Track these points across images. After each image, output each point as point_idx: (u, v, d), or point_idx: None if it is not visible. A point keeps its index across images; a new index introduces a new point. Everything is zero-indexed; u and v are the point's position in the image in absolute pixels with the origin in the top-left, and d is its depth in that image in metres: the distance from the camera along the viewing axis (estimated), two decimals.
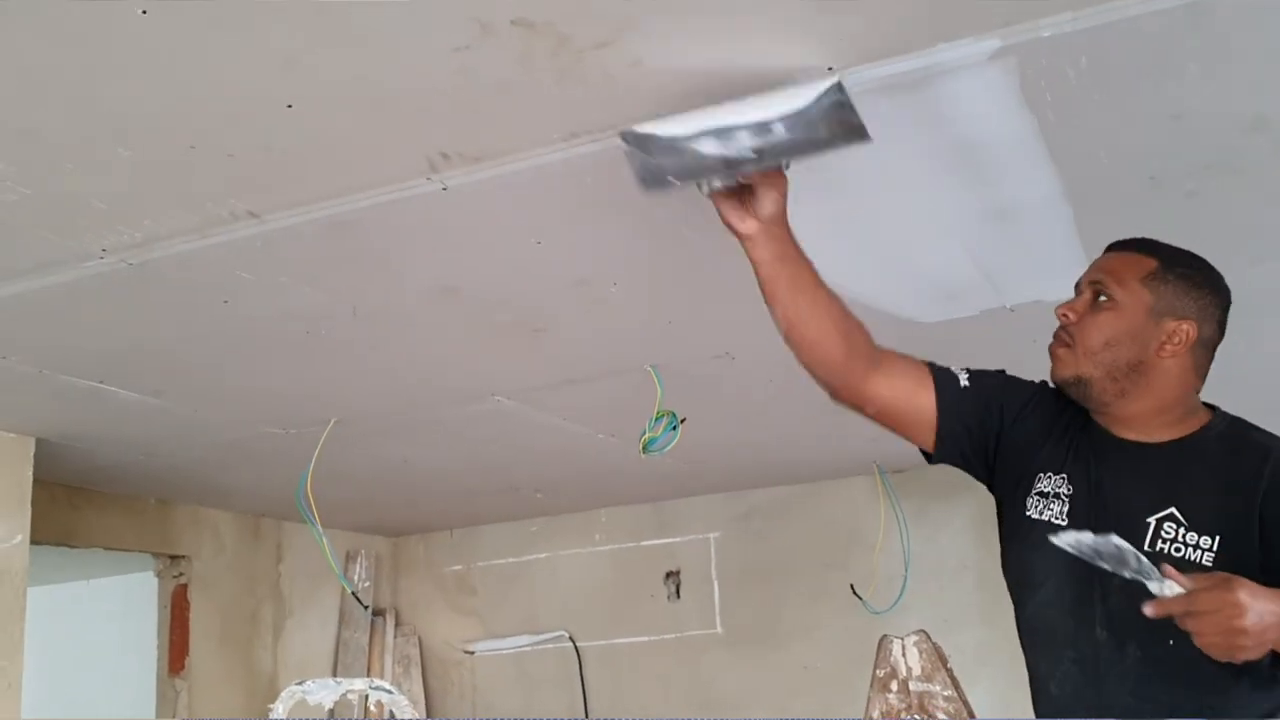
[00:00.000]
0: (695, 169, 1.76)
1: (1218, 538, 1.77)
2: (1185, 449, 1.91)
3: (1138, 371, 1.91)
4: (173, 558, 4.84)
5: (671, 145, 1.77)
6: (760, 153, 1.70)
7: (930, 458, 2.14)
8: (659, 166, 1.76)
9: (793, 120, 1.69)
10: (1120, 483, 1.91)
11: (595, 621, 5.47)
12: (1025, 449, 2.04)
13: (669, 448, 3.41)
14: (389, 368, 3.36)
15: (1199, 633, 1.56)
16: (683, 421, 3.44)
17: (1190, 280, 1.96)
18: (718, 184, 1.83)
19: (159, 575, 4.88)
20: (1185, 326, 1.91)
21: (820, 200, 2.49)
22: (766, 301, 1.98)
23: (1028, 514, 2.00)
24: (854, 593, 4.67)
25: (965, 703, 2.79)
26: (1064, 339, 1.97)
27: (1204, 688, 1.75)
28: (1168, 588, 1.58)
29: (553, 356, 3.37)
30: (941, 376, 2.09)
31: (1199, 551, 1.79)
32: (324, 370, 3.34)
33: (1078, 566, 1.79)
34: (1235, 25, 1.89)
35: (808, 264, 1.97)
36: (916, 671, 2.73)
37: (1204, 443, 1.90)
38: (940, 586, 4.57)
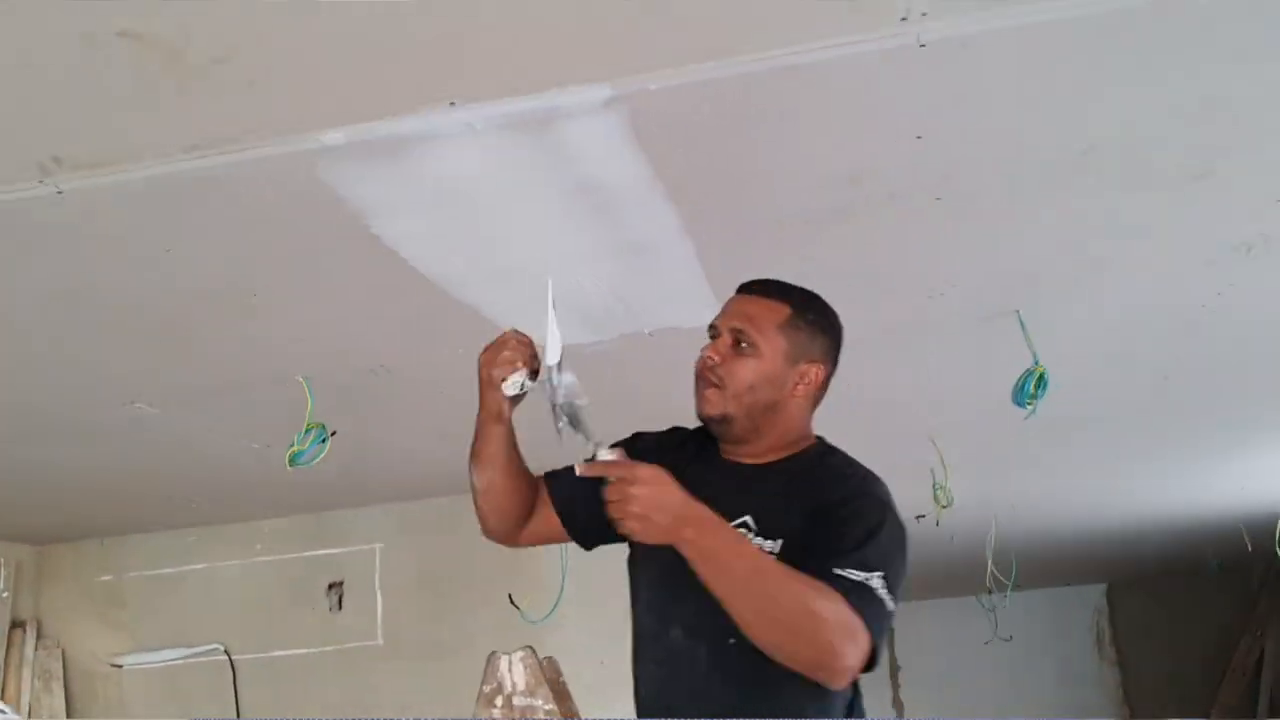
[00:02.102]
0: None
1: (780, 542, 1.91)
2: (774, 469, 2.06)
3: (773, 410, 2.04)
4: None
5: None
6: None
7: (587, 546, 2.25)
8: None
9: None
10: (715, 497, 1.97)
11: (253, 634, 5.33)
12: None
13: (316, 461, 3.38)
14: (14, 369, 3.20)
15: (607, 498, 1.72)
16: (333, 434, 3.41)
17: (818, 325, 2.09)
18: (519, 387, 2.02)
19: None
20: (815, 369, 2.06)
21: (463, 232, 2.55)
22: (472, 457, 2.11)
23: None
24: (512, 603, 4.76)
25: (574, 715, 2.90)
26: (712, 380, 2.06)
27: (761, 687, 1.87)
28: (602, 453, 1.74)
29: (197, 364, 3.29)
30: (553, 481, 2.19)
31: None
32: None
33: (665, 575, 1.93)
34: (831, 86, 2.06)
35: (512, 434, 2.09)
36: (521, 686, 2.80)
37: (792, 465, 2.05)
38: (599, 598, 4.70)
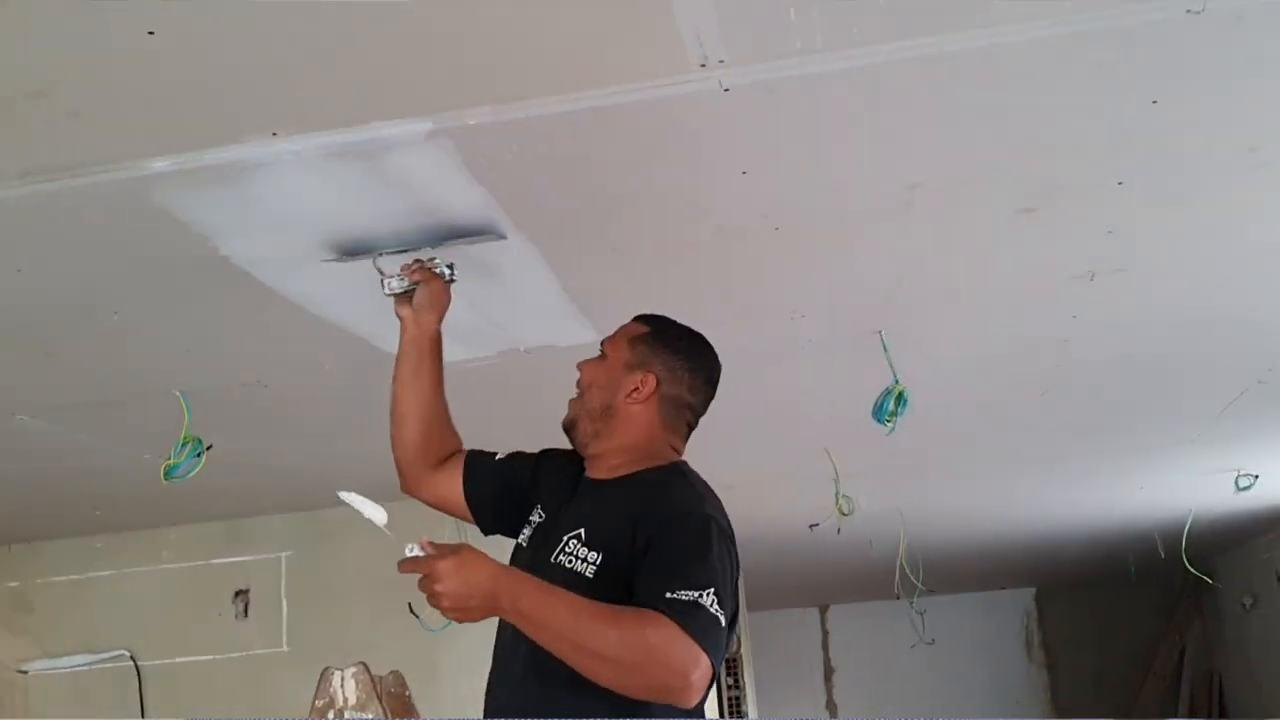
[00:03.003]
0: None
1: (601, 554, 1.99)
2: (616, 484, 2.15)
3: (609, 414, 2.17)
4: None
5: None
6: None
7: (485, 532, 2.40)
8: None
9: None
10: (568, 509, 2.15)
11: (159, 640, 5.32)
12: (538, 495, 2.29)
13: (191, 475, 3.39)
14: None
15: (423, 592, 1.78)
16: (209, 448, 3.43)
17: (666, 345, 2.22)
18: (394, 285, 2.35)
19: None
20: (648, 379, 2.17)
21: (314, 254, 2.59)
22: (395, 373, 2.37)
23: (519, 541, 2.25)
24: (412, 612, 4.78)
25: None
26: (577, 386, 2.24)
27: (567, 685, 1.89)
28: (410, 550, 1.81)
29: (72, 378, 3.31)
30: (473, 460, 2.37)
31: (585, 564, 2.01)
32: None
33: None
34: (651, 125, 2.11)
35: (435, 366, 2.37)
36: (352, 701, 2.85)
37: (634, 480, 2.13)
38: None
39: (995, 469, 5.46)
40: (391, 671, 3.00)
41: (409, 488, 2.42)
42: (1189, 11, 1.79)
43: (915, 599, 6.86)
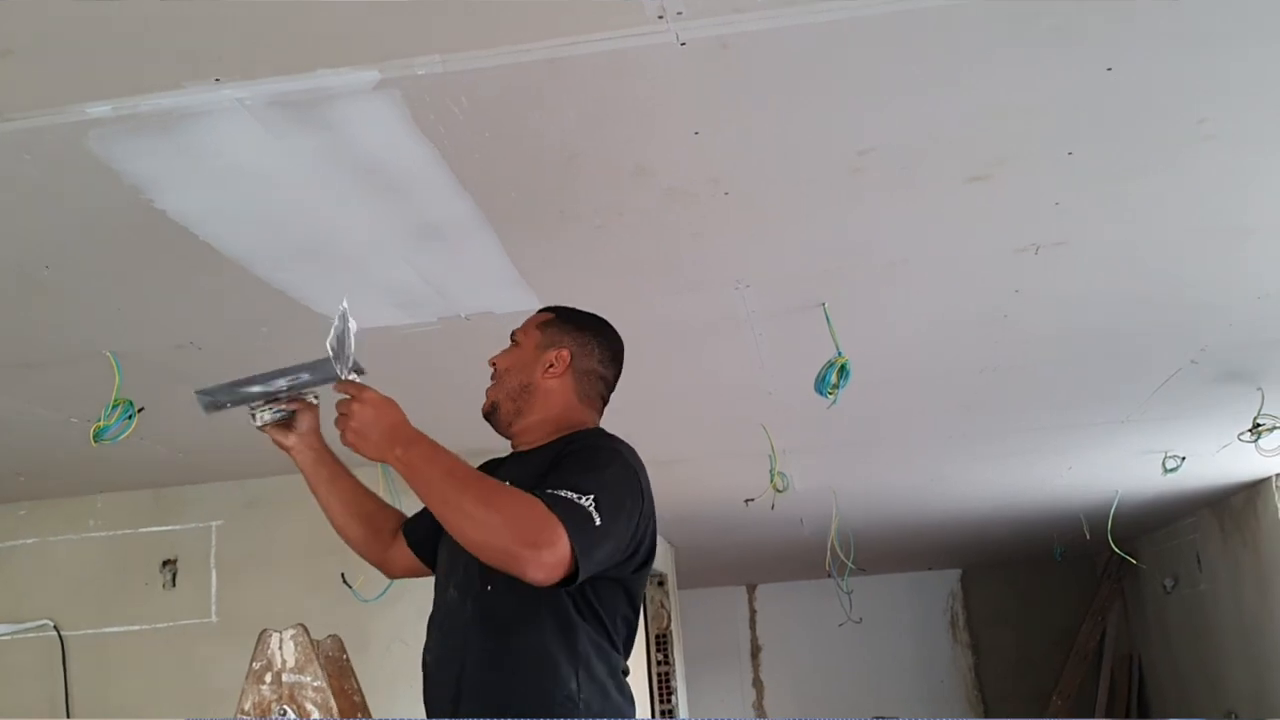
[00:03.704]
0: (246, 400, 2.25)
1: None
2: (538, 450, 2.24)
3: (528, 392, 2.29)
4: None
5: (229, 389, 2.23)
6: (294, 389, 2.20)
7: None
8: (217, 401, 2.23)
9: (315, 367, 2.10)
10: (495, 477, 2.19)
11: (84, 611, 5.21)
12: None
13: (121, 437, 3.32)
14: None
15: (338, 411, 2.00)
16: (140, 410, 3.36)
17: (573, 324, 2.36)
18: (266, 416, 2.29)
19: None
20: (562, 354, 2.29)
21: (252, 209, 2.53)
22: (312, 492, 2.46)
23: None
24: (345, 582, 4.73)
25: (355, 692, 2.91)
26: (491, 376, 2.35)
27: (515, 633, 2.02)
28: (352, 376, 2.03)
29: (1, 338, 3.21)
30: (409, 525, 2.48)
31: None
32: None
33: (450, 546, 2.13)
34: (603, 80, 2.08)
35: (340, 468, 2.44)
36: (290, 664, 2.81)
37: (558, 443, 2.20)
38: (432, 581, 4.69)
39: (929, 447, 5.51)
40: (329, 635, 2.96)
41: (386, 573, 2.56)
42: None
43: (845, 578, 6.91)
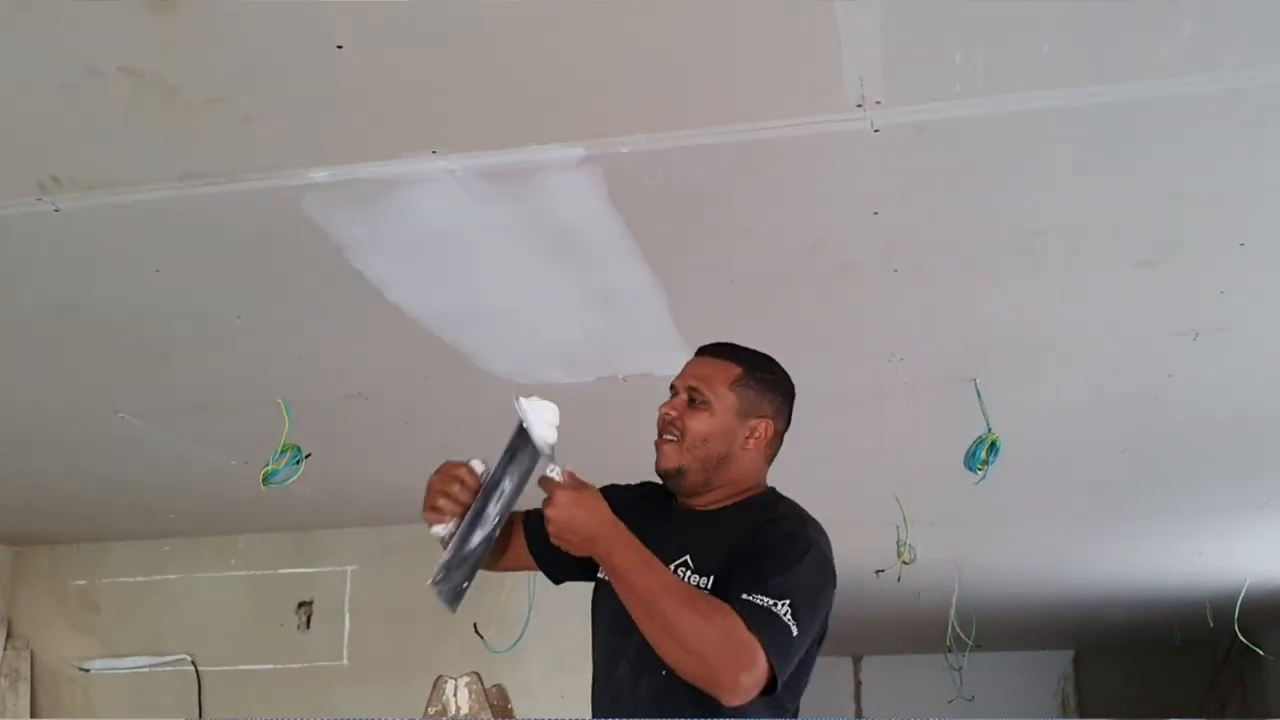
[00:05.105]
0: (477, 561, 2.01)
1: (712, 578, 2.04)
2: (722, 514, 2.17)
3: (725, 462, 2.15)
4: None
5: (459, 564, 1.98)
6: (503, 513, 2.00)
7: (555, 582, 2.40)
8: (458, 589, 1.98)
9: (514, 470, 1.98)
10: (665, 540, 2.12)
11: (222, 647, 5.39)
12: None
13: (290, 481, 3.47)
14: (4, 377, 3.30)
15: (542, 508, 1.90)
16: (307, 456, 3.51)
17: (767, 384, 2.20)
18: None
19: None
20: (764, 424, 2.16)
21: (442, 273, 2.66)
22: None
23: (599, 575, 2.23)
24: (476, 632, 4.83)
25: None
26: (670, 434, 2.18)
27: (699, 717, 1.95)
28: (552, 470, 1.91)
29: (182, 381, 3.39)
30: (529, 521, 2.32)
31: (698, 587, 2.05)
32: None
33: (618, 615, 2.01)
34: (792, 161, 2.17)
35: None
36: (465, 710, 2.89)
37: (738, 509, 2.16)
38: (562, 632, 4.77)
39: (1059, 524, 5.46)
40: (495, 685, 3.04)
41: (486, 566, 2.37)
42: None
43: (964, 655, 6.84)
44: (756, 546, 2.00)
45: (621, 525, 1.94)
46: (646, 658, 1.98)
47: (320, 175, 2.23)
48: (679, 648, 1.85)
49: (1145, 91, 1.90)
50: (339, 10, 1.76)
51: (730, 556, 2.02)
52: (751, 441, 2.16)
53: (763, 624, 1.85)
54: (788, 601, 1.88)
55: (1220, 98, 1.92)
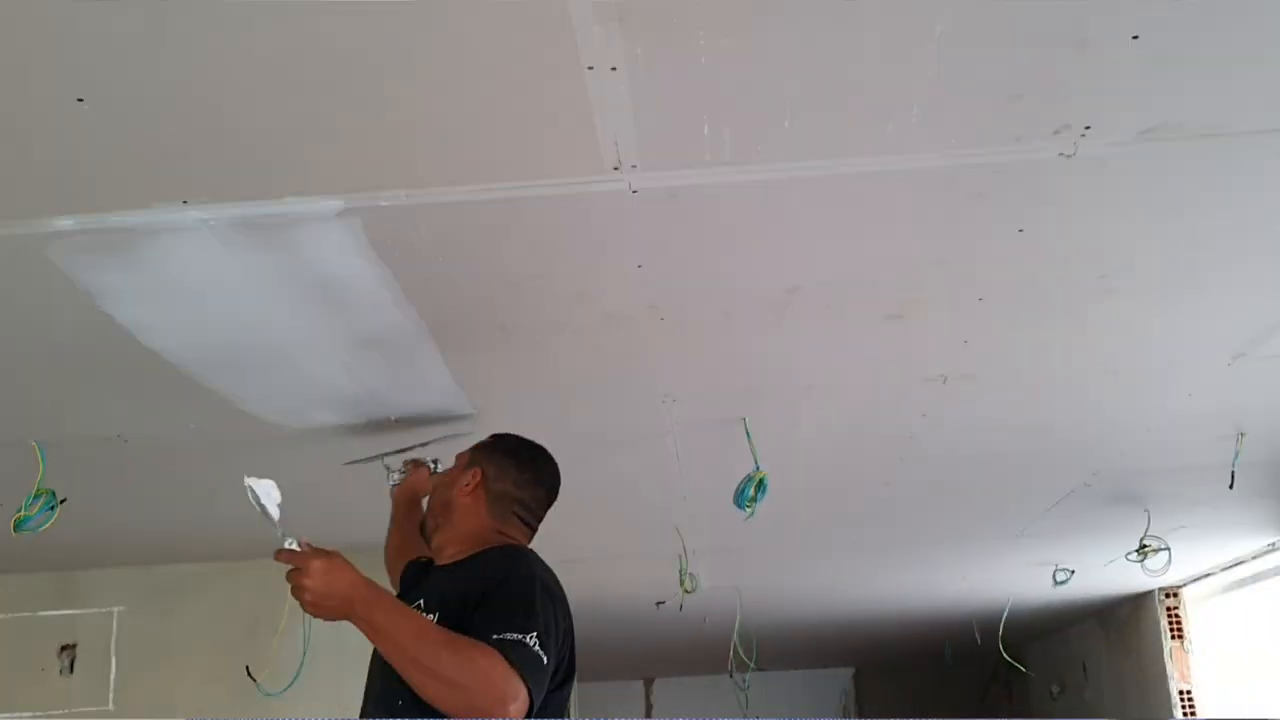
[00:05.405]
0: None
1: (439, 613, 2.21)
2: (455, 567, 2.40)
3: (447, 508, 2.52)
4: None
5: None
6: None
7: None
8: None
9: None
10: (412, 590, 2.49)
11: None
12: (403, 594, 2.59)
13: (42, 528, 3.31)
14: None
15: (289, 582, 1.98)
16: (62, 502, 3.36)
17: (500, 450, 2.59)
18: (396, 479, 3.25)
19: None
20: (476, 473, 2.51)
21: (199, 319, 2.60)
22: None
23: None
24: (249, 675, 4.69)
25: None
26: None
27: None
28: (289, 543, 1.98)
29: None
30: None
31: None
32: None
33: (375, 660, 2.27)
34: (554, 217, 2.21)
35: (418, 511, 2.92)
36: None
37: (470, 562, 2.37)
38: (338, 673, 4.67)
39: (831, 553, 5.67)
40: None
41: None
42: (1061, 154, 1.99)
43: (746, 675, 7.01)
44: (493, 592, 2.17)
45: (374, 582, 2.05)
46: (383, 701, 2.21)
47: (65, 224, 2.15)
48: (445, 687, 1.97)
49: (879, 166, 2.01)
50: (79, 62, 1.70)
51: (459, 594, 2.20)
52: (465, 488, 2.50)
53: (518, 655, 2.02)
54: (535, 634, 2.07)
55: (949, 172, 2.05)
